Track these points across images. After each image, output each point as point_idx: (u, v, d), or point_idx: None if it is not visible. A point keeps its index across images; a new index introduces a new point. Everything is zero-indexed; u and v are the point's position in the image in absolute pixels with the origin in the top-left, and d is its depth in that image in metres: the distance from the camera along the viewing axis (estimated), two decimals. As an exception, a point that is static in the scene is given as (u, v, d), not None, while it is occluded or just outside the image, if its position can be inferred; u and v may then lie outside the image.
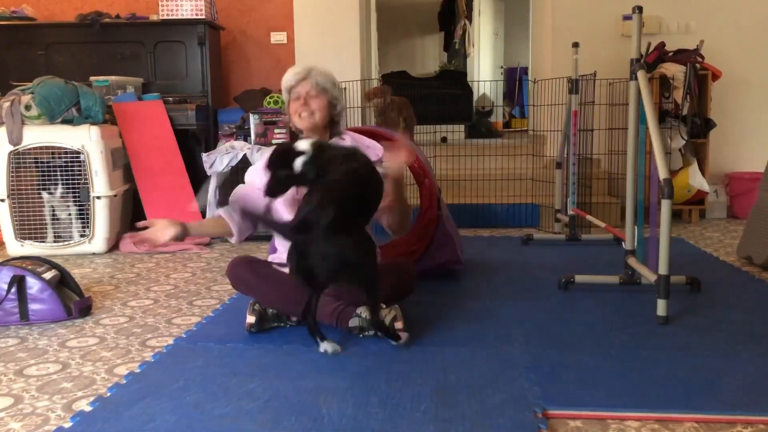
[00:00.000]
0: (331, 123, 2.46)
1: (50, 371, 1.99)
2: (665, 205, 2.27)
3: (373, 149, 2.48)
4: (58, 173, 3.70)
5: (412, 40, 10.37)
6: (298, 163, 2.00)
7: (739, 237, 3.51)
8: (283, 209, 2.32)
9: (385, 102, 4.41)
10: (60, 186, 3.71)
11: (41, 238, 3.75)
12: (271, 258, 2.52)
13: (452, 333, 2.26)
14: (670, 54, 4.52)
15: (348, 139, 2.49)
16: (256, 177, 2.36)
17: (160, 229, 2.15)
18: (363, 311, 2.19)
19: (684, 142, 4.41)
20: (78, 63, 4.71)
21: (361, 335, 2.20)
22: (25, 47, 4.71)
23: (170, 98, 4.50)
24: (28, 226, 3.73)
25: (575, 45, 3.95)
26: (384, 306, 2.22)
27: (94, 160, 3.70)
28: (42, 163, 3.70)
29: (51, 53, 4.73)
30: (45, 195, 3.73)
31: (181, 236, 2.20)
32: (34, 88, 3.73)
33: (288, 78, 2.41)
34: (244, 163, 3.95)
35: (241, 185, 2.47)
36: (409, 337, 2.13)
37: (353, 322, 2.19)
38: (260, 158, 2.45)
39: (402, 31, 10.09)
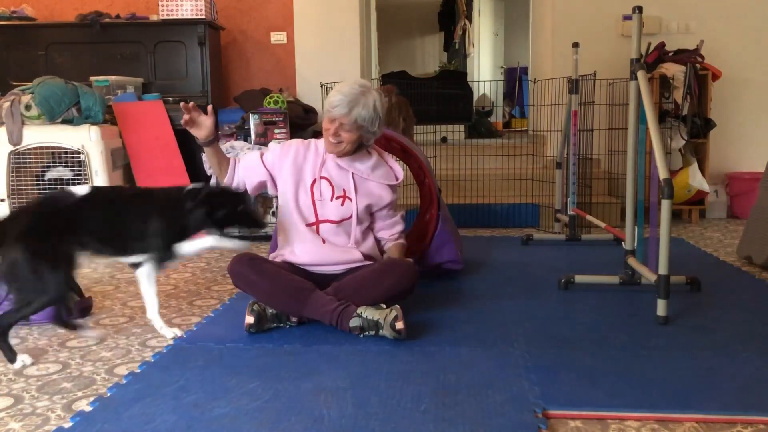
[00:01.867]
0: (359, 146, 2.47)
1: (50, 371, 1.99)
2: (665, 205, 2.27)
3: (394, 171, 2.55)
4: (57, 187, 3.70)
5: (412, 40, 10.37)
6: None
7: (739, 237, 3.51)
8: (288, 186, 2.45)
9: (390, 102, 4.42)
10: None
11: (41, 238, 3.75)
12: (271, 257, 2.53)
13: (452, 333, 2.26)
14: (670, 54, 4.52)
15: (374, 155, 2.51)
16: (271, 157, 2.50)
17: (205, 120, 2.35)
18: (363, 311, 2.20)
19: (684, 142, 4.42)
20: (78, 63, 4.71)
21: (361, 335, 2.20)
22: (25, 47, 4.71)
23: (170, 98, 4.50)
24: (28, 226, 3.73)
25: (575, 45, 3.95)
26: (384, 306, 2.23)
27: (94, 160, 3.70)
28: (39, 175, 3.71)
29: (51, 53, 4.73)
30: None
31: (211, 138, 2.38)
32: (34, 88, 3.73)
33: (333, 100, 2.35)
34: (244, 163, 3.95)
35: (254, 154, 2.55)
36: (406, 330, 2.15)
37: (353, 322, 2.19)
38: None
39: (402, 31, 10.09)
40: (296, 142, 2.54)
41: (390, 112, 4.42)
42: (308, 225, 2.45)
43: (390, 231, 2.57)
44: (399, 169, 2.57)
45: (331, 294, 2.29)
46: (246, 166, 2.50)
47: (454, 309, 2.55)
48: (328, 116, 2.36)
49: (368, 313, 2.19)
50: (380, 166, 2.52)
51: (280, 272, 2.31)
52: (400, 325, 2.14)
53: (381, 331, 2.17)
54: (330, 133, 2.37)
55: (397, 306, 2.19)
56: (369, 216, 2.52)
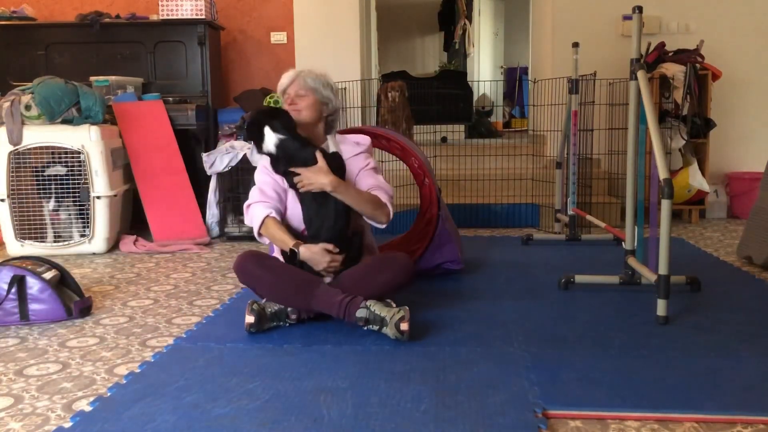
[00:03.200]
0: (325, 124, 2.49)
1: (50, 371, 1.99)
2: (665, 205, 2.27)
3: (360, 144, 2.54)
4: (52, 184, 3.70)
5: (412, 40, 10.37)
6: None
7: (739, 237, 3.51)
8: (293, 198, 2.42)
9: (403, 97, 4.42)
10: (53, 200, 3.70)
11: (41, 238, 3.75)
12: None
13: (452, 333, 2.27)
14: (670, 54, 4.52)
15: (337, 137, 2.53)
16: (265, 176, 2.46)
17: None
18: (372, 304, 2.21)
19: (684, 142, 4.42)
20: (78, 63, 4.71)
21: (365, 327, 2.20)
22: (25, 47, 4.71)
23: (170, 98, 4.50)
24: (28, 226, 3.73)
25: (575, 45, 3.95)
26: (393, 304, 2.24)
27: (94, 160, 3.70)
28: (38, 171, 3.70)
29: (51, 53, 4.72)
30: (44, 203, 3.74)
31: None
32: (34, 88, 3.72)
33: (281, 81, 2.48)
34: (244, 163, 3.95)
35: (261, 179, 2.47)
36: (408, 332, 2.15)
37: (360, 313, 2.19)
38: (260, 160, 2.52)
39: (402, 31, 10.09)
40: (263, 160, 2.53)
41: (395, 111, 4.42)
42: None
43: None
44: (366, 138, 2.56)
45: (337, 286, 2.29)
46: (271, 196, 2.42)
47: (454, 309, 2.55)
48: (285, 98, 2.46)
49: (376, 307, 2.20)
50: (342, 143, 2.52)
51: (284, 266, 2.32)
52: (404, 326, 2.14)
53: (384, 328, 2.18)
54: (289, 107, 2.42)
55: (406, 307, 2.20)
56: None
